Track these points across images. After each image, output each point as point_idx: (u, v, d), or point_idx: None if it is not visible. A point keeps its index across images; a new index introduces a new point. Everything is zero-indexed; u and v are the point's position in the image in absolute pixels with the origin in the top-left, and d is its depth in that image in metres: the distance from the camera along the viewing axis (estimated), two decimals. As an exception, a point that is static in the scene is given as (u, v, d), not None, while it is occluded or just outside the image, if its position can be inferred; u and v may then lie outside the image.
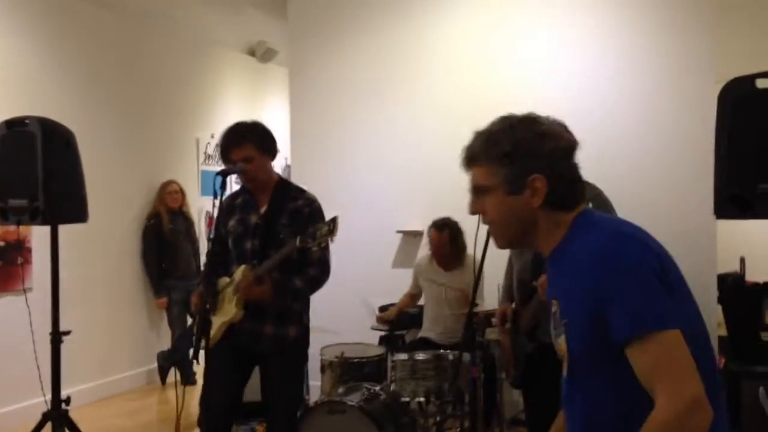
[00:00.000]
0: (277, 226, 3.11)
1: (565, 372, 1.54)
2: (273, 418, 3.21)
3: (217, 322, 3.16)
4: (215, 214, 3.09)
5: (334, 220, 2.90)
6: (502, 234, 1.59)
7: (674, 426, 1.28)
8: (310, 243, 2.90)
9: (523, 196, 1.49)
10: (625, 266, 1.38)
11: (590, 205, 2.71)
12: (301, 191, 3.27)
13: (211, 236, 3.17)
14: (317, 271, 3.13)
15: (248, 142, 3.09)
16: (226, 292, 3.18)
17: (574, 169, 1.53)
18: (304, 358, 3.32)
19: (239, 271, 3.12)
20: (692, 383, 1.30)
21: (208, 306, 3.02)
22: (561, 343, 1.51)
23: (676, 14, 4.66)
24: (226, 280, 3.23)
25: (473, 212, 1.60)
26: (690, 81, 4.59)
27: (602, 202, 3.19)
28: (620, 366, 1.37)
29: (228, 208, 3.26)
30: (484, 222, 1.59)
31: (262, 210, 3.17)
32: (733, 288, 4.30)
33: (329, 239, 2.91)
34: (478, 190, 1.56)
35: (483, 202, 1.56)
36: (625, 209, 3.15)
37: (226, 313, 3.13)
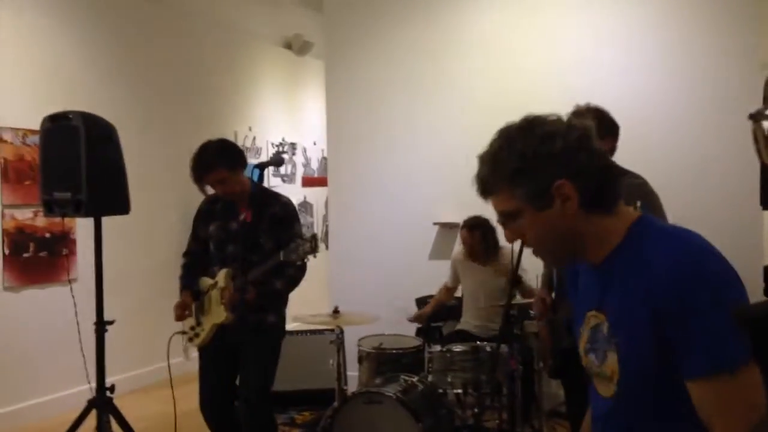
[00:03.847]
0: (258, 231, 3.33)
1: (605, 393, 1.40)
2: (246, 395, 3.35)
3: (208, 323, 3.42)
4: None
5: (314, 237, 3.15)
6: (549, 254, 1.44)
7: None
8: (293, 258, 3.14)
9: (555, 207, 1.32)
10: (713, 295, 1.22)
11: (638, 204, 2.67)
12: (276, 196, 3.51)
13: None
14: (294, 271, 3.35)
15: (217, 167, 3.28)
16: (212, 294, 3.41)
17: (597, 156, 1.33)
18: (279, 343, 3.52)
19: (221, 275, 3.37)
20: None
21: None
22: (608, 364, 1.36)
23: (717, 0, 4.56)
24: (208, 281, 3.46)
25: (512, 240, 1.44)
26: (733, 69, 4.48)
27: (648, 192, 3.09)
28: (680, 395, 1.27)
29: (206, 213, 3.51)
30: (528, 246, 1.43)
31: (242, 217, 3.38)
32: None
33: (312, 256, 3.14)
34: (507, 217, 1.39)
35: (518, 227, 1.38)
36: (669, 202, 3.09)
37: (217, 315, 3.37)
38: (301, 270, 3.37)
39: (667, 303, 1.23)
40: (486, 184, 1.39)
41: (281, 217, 3.38)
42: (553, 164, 1.30)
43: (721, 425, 1.24)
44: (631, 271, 1.31)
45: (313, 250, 3.11)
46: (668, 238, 1.31)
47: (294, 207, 3.52)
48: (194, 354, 3.58)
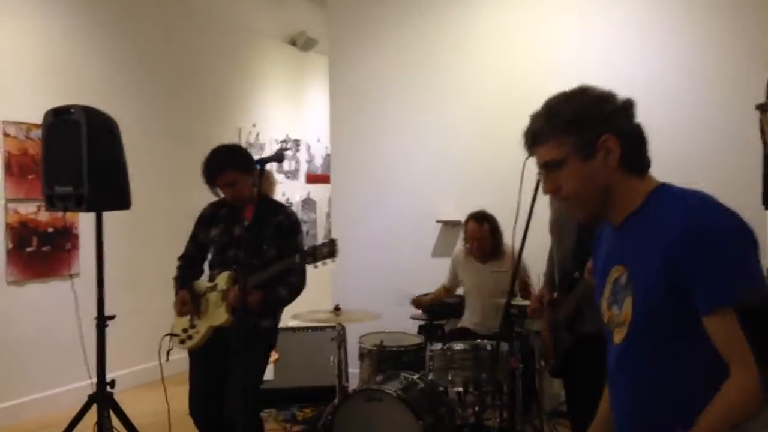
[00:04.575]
0: (261, 238, 3.31)
1: (618, 339, 1.52)
2: (236, 399, 3.21)
3: (205, 325, 3.37)
4: None
5: (333, 242, 3.11)
6: (584, 205, 1.55)
7: (749, 399, 1.35)
8: (309, 261, 3.12)
9: (598, 159, 1.48)
10: (722, 234, 1.37)
11: None
12: (282, 206, 3.54)
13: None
14: (297, 279, 3.33)
15: (230, 169, 3.29)
16: (210, 297, 3.37)
17: (638, 127, 1.53)
18: (270, 349, 3.54)
19: (222, 278, 3.34)
20: None
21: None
22: (624, 309, 1.49)
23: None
24: (204, 283, 3.43)
25: (549, 191, 1.57)
26: (737, 67, 4.45)
27: None
28: (686, 334, 1.39)
29: (210, 217, 3.49)
30: (562, 199, 1.55)
31: (246, 222, 3.37)
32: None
33: (330, 260, 3.13)
34: (549, 167, 1.53)
35: (557, 178, 1.53)
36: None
37: (215, 317, 3.34)
38: (303, 278, 3.37)
39: (678, 252, 1.37)
40: (537, 135, 1.53)
41: (286, 227, 3.38)
42: (601, 121, 1.48)
43: (736, 356, 1.35)
44: (648, 229, 1.46)
45: (332, 254, 3.10)
46: (681, 198, 1.46)
47: (297, 218, 3.55)
48: (176, 357, 3.50)
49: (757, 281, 1.37)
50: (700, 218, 1.39)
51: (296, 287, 3.35)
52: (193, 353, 3.43)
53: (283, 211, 3.46)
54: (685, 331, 1.39)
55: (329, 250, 3.09)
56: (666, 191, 1.50)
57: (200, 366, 3.41)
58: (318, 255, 3.10)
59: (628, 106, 1.52)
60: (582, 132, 1.48)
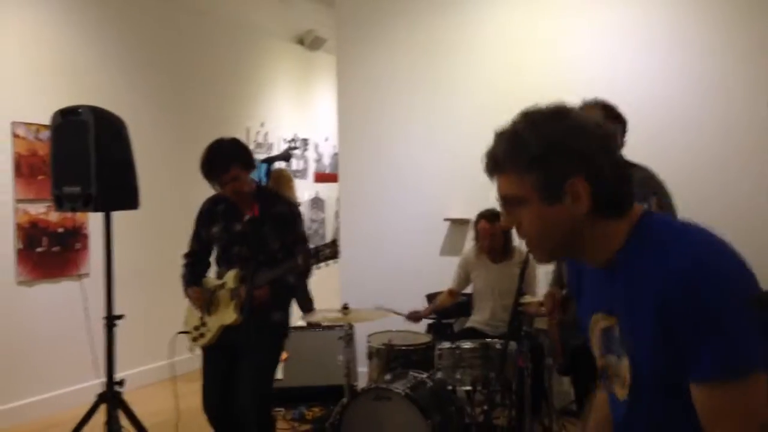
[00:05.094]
0: (263, 232, 3.30)
1: (620, 396, 1.36)
2: (248, 395, 3.20)
3: (216, 324, 3.36)
4: None
5: (334, 243, 3.13)
6: (542, 248, 1.35)
7: None
8: (311, 262, 3.13)
9: (564, 204, 1.26)
10: (727, 298, 1.16)
11: (654, 201, 2.65)
12: (281, 197, 3.54)
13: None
14: (304, 261, 3.28)
15: (233, 164, 3.28)
16: (220, 295, 3.36)
17: (618, 164, 1.28)
18: (282, 342, 3.50)
19: (230, 276, 3.33)
20: None
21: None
22: (623, 365, 1.32)
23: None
24: (213, 281, 3.43)
25: (507, 226, 1.37)
26: (748, 66, 4.41)
27: (659, 183, 3.06)
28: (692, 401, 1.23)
29: (209, 214, 3.48)
30: (520, 236, 1.35)
31: (247, 217, 3.36)
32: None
33: (332, 261, 3.13)
34: (509, 202, 1.32)
35: (517, 214, 1.31)
36: (679, 195, 3.06)
37: (225, 316, 3.33)
38: (309, 260, 3.28)
39: (678, 305, 1.18)
40: (498, 162, 1.32)
41: (287, 218, 3.38)
42: (573, 159, 1.25)
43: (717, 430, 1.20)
44: (640, 274, 1.25)
45: (333, 255, 3.10)
46: (677, 238, 1.24)
47: (298, 208, 3.53)
48: (198, 351, 3.53)
49: (750, 349, 1.16)
50: (706, 264, 1.18)
51: (303, 270, 3.34)
52: (206, 350, 3.44)
53: (284, 201, 3.47)
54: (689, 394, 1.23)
55: (331, 251, 3.10)
56: (654, 226, 1.28)
57: (213, 363, 3.42)
58: (321, 256, 3.11)
59: (607, 138, 1.28)
60: (546, 171, 1.25)
